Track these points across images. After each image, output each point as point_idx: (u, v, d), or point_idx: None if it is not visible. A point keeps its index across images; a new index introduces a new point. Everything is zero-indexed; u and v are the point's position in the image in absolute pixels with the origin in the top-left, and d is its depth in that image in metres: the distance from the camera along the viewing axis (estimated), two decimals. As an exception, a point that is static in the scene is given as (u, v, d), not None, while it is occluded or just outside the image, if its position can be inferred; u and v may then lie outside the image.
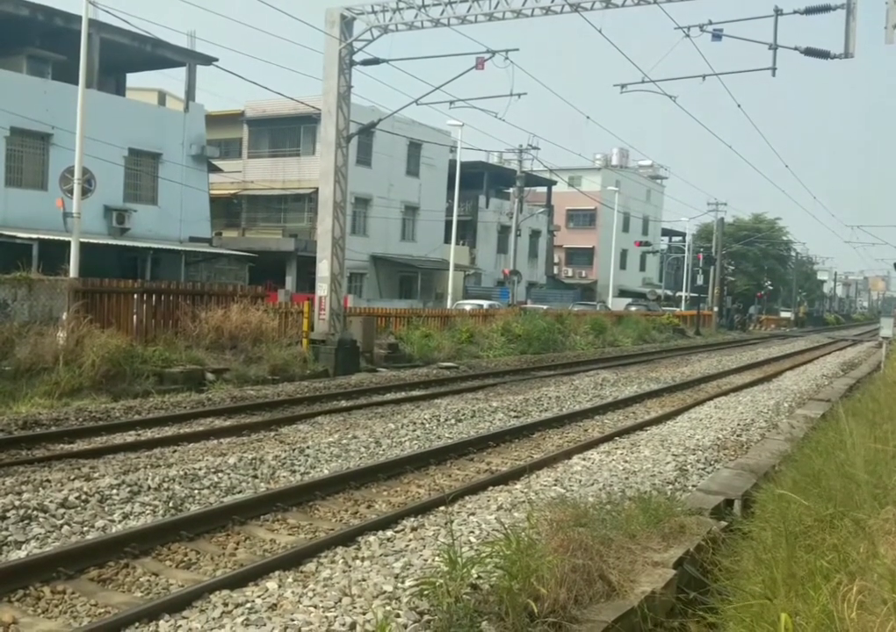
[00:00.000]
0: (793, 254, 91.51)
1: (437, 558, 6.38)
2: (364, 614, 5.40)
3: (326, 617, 5.33)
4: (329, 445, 11.28)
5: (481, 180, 56.43)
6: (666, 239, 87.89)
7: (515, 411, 15.57)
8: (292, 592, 5.83)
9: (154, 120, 32.84)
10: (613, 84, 22.64)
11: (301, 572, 6.40)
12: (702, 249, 68.28)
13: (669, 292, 75.35)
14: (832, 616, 4.16)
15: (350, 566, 6.52)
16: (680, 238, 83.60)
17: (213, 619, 5.41)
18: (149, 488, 8.56)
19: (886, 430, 7.96)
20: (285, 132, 45.39)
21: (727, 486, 9.02)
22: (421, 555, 6.75)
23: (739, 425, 14.48)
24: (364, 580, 6.06)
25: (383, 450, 11.40)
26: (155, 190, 32.79)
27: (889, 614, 4.07)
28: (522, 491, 9.08)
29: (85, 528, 7.36)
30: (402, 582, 6.00)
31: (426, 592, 5.44)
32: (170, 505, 8.20)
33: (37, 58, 30.08)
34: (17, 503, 7.61)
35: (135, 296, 18.40)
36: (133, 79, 36.87)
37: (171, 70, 35.98)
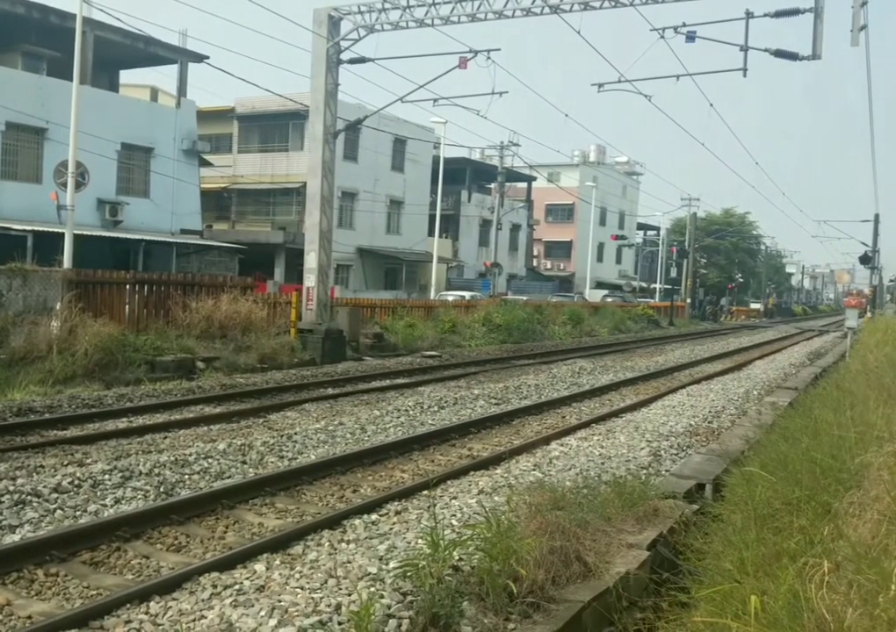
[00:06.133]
0: (763, 247, 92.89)
1: (420, 541, 6.47)
2: (349, 595, 5.46)
3: (312, 598, 5.39)
4: (316, 431, 11.40)
5: (464, 175, 57.13)
6: (641, 233, 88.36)
7: (495, 398, 15.72)
8: (280, 574, 5.89)
9: (146, 116, 32.85)
10: (591, 83, 22.97)
11: (288, 555, 6.47)
12: (675, 243, 69.03)
13: (644, 284, 75.90)
14: (798, 596, 4.23)
15: (335, 549, 6.59)
16: (654, 232, 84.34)
17: (203, 600, 5.48)
18: (141, 473, 8.65)
19: (850, 417, 8.10)
20: (274, 127, 45.48)
21: (699, 471, 9.15)
22: (404, 537, 6.84)
23: (710, 412, 14.62)
24: (349, 562, 6.13)
25: (368, 436, 11.51)
26: (147, 184, 32.83)
27: (851, 592, 4.21)
28: (502, 476, 9.19)
29: (78, 513, 7.46)
30: (386, 564, 6.06)
31: (409, 574, 5.49)
32: (161, 490, 8.30)
33: (32, 54, 30.05)
34: (11, 488, 7.71)
35: (127, 286, 18.50)
36: (126, 76, 36.90)
37: (163, 67, 36.05)
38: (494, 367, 21.79)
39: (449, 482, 8.95)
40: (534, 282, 64.96)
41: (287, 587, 5.65)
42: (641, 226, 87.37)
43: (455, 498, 8.22)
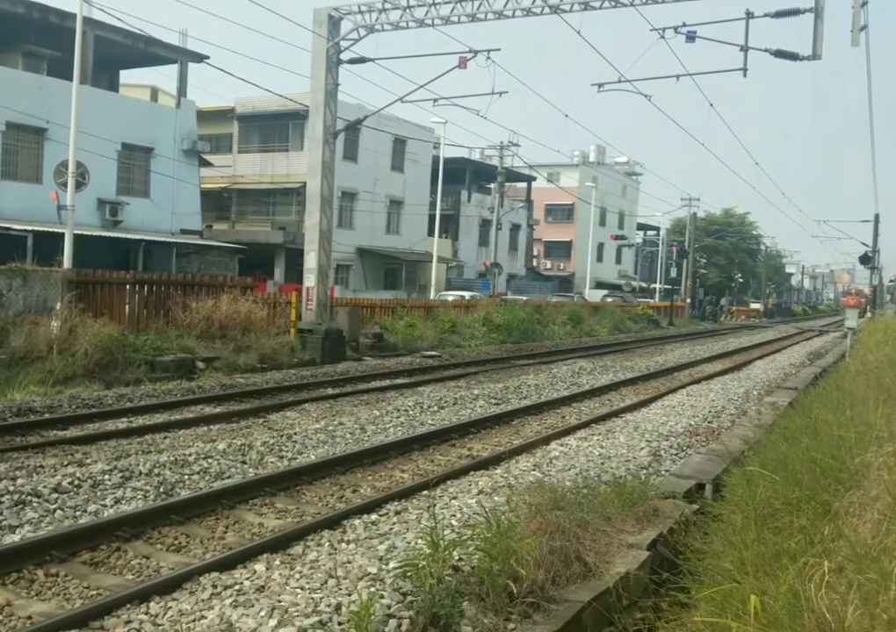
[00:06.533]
0: (763, 247, 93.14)
1: (420, 541, 6.47)
2: (349, 595, 5.46)
3: (312, 598, 5.39)
4: (316, 431, 11.41)
5: (464, 175, 57.32)
6: (641, 233, 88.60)
7: (495, 398, 15.73)
8: (280, 575, 5.90)
9: (146, 116, 32.92)
10: (591, 83, 23.06)
11: (288, 555, 6.48)
12: (675, 243, 69.32)
13: (644, 284, 76.12)
14: (798, 595, 4.22)
15: (335, 549, 6.60)
16: (654, 232, 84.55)
17: (203, 600, 5.48)
18: (141, 473, 8.66)
19: (850, 417, 8.10)
20: (274, 127, 45.61)
21: (699, 471, 9.16)
22: (404, 538, 6.84)
23: (710, 412, 14.61)
24: (349, 562, 6.13)
25: (368, 436, 11.52)
26: (147, 184, 32.90)
27: (851, 592, 4.21)
28: (502, 476, 9.19)
29: (78, 513, 7.46)
30: (386, 564, 6.07)
31: (409, 574, 5.49)
32: (161, 490, 8.30)
33: (32, 54, 30.09)
34: (11, 488, 7.71)
35: (127, 286, 18.52)
36: (126, 76, 36.96)
37: (164, 67, 36.16)
38: (494, 367, 21.80)
39: (449, 482, 8.95)
40: (534, 282, 65.13)
41: (287, 587, 5.66)
42: (641, 226, 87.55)
43: (455, 498, 8.23)
